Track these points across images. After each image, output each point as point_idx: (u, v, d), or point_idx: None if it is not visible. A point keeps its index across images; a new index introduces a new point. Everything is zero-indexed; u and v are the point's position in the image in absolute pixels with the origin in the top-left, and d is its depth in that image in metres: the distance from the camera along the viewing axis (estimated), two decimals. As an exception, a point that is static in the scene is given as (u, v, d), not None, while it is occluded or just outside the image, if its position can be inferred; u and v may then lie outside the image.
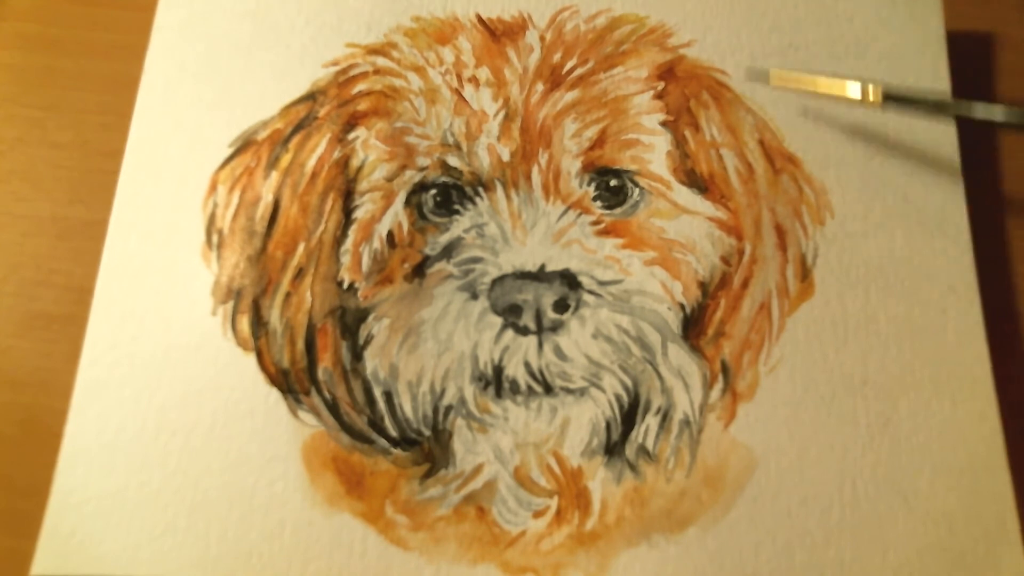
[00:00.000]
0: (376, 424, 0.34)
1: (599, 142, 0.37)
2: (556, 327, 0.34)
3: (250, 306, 0.35)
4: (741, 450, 0.34)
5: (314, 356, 0.35)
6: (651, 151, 0.37)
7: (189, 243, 0.36)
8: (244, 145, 0.38)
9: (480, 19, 0.40)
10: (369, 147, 0.37)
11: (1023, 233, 0.39)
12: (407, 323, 0.35)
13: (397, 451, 0.34)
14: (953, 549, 0.32)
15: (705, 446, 0.34)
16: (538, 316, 0.34)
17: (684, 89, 0.38)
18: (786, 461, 0.34)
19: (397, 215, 0.36)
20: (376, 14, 0.40)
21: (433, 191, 0.36)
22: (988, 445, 0.34)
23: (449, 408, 0.34)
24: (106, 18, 0.41)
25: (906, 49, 0.40)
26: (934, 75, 0.39)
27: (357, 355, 0.34)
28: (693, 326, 0.35)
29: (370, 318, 0.35)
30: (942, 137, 0.38)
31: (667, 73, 0.39)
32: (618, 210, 0.36)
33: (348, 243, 0.36)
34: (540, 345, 0.34)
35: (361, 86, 0.38)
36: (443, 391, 0.34)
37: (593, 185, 0.36)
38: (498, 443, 0.34)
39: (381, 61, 0.39)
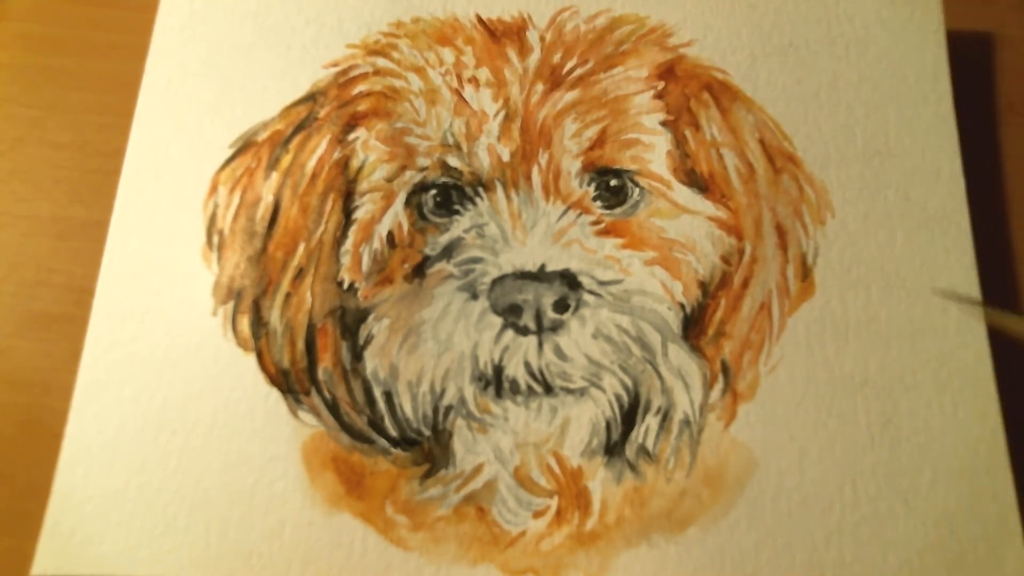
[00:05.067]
0: (376, 424, 0.34)
1: (599, 142, 0.37)
2: (556, 327, 0.34)
3: (250, 306, 0.35)
4: (741, 450, 0.34)
5: (314, 356, 0.35)
6: (651, 151, 0.37)
7: (190, 244, 0.36)
8: (245, 146, 0.38)
9: (480, 20, 0.40)
10: (369, 148, 0.37)
11: (1023, 233, 0.39)
12: (407, 323, 0.35)
13: (397, 451, 0.34)
14: (953, 549, 0.32)
15: (705, 446, 0.34)
16: (538, 316, 0.34)
17: (684, 89, 0.38)
18: (786, 461, 0.34)
19: (397, 215, 0.36)
20: (376, 15, 0.40)
21: (433, 191, 0.36)
22: (989, 445, 0.34)
23: (449, 408, 0.34)
24: (106, 18, 0.41)
25: (906, 49, 0.40)
26: (934, 75, 0.39)
27: (357, 355, 0.34)
28: (693, 326, 0.35)
29: (370, 318, 0.35)
30: (942, 136, 0.38)
31: (667, 73, 0.39)
32: (618, 210, 0.36)
33: (348, 243, 0.36)
34: (540, 345, 0.34)
35: (361, 87, 0.38)
36: (443, 391, 0.34)
37: (593, 185, 0.36)
38: (498, 443, 0.34)
39: (381, 62, 0.39)
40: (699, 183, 0.37)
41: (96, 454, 0.33)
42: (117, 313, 0.35)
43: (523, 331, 0.34)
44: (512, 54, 0.38)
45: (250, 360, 0.35)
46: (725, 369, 0.35)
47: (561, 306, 0.34)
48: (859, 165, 0.38)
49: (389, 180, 0.37)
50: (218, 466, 0.33)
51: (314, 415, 0.34)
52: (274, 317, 0.35)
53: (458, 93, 0.38)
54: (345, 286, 0.35)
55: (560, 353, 0.34)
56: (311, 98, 0.38)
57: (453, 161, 0.36)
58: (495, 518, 0.33)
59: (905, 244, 0.37)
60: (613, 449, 0.34)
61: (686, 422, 0.34)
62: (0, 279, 0.36)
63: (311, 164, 0.37)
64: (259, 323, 0.35)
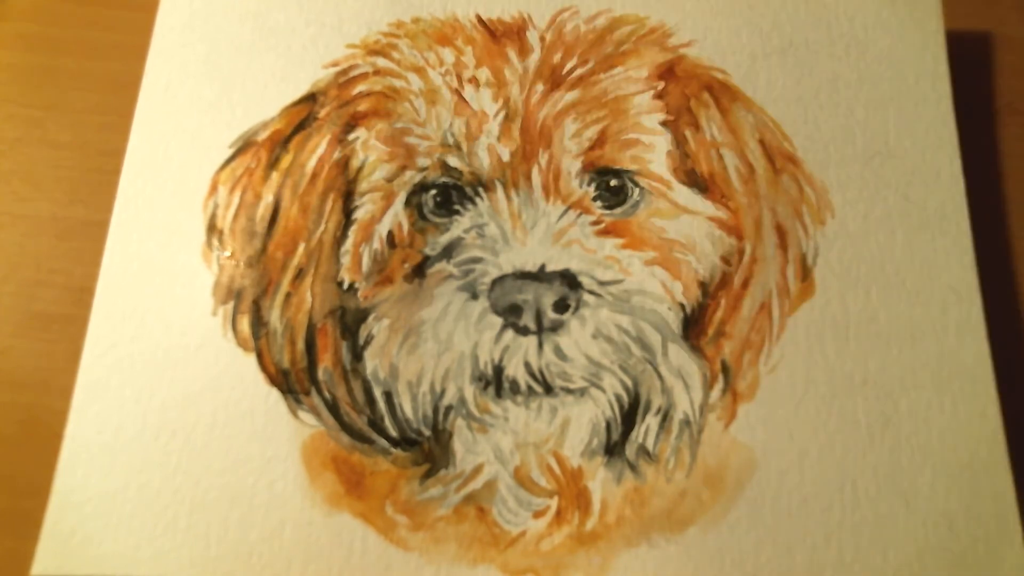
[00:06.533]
0: (376, 424, 0.34)
1: (599, 142, 0.37)
2: (556, 327, 0.34)
3: (250, 306, 0.35)
4: (741, 450, 0.34)
5: (314, 356, 0.35)
6: (651, 151, 0.37)
7: (190, 243, 0.36)
8: (245, 146, 0.38)
9: (480, 20, 0.40)
10: (369, 148, 0.37)
11: (1023, 233, 0.39)
12: (407, 323, 0.35)
13: (397, 451, 0.34)
14: (953, 549, 0.32)
15: (705, 446, 0.34)
16: (538, 316, 0.34)
17: (684, 89, 0.38)
18: (786, 461, 0.34)
19: (397, 215, 0.36)
20: (376, 15, 0.40)
21: (433, 191, 0.36)
22: (989, 445, 0.34)
23: (449, 408, 0.34)
24: (106, 18, 0.41)
25: (906, 49, 0.40)
26: (934, 75, 0.39)
27: (357, 355, 0.34)
28: (693, 326, 0.35)
29: (370, 318, 0.35)
30: (942, 137, 0.38)
31: (667, 73, 0.39)
32: (618, 210, 0.36)
33: (348, 243, 0.36)
34: (540, 345, 0.34)
35: (361, 87, 0.38)
36: (443, 391, 0.34)
37: (593, 185, 0.36)
38: (498, 443, 0.34)
39: (381, 62, 0.39)
40: (699, 183, 0.37)
41: (96, 454, 0.33)
42: (117, 313, 0.35)
43: (523, 331, 0.34)
44: (512, 54, 0.39)
45: (250, 360, 0.35)
46: (725, 369, 0.35)
47: (561, 306, 0.34)
48: (859, 165, 0.38)
49: (389, 180, 0.37)
50: (218, 466, 0.33)
51: (314, 415, 0.34)
52: (274, 317, 0.35)
53: (458, 93, 0.38)
54: (345, 286, 0.35)
55: (560, 353, 0.34)
56: (311, 98, 0.38)
57: (453, 161, 0.36)
58: (495, 518, 0.33)
59: (905, 244, 0.37)
60: (613, 449, 0.34)
61: (686, 422, 0.34)
62: (0, 279, 0.36)
63: (311, 164, 0.37)
64: (259, 323, 0.35)
